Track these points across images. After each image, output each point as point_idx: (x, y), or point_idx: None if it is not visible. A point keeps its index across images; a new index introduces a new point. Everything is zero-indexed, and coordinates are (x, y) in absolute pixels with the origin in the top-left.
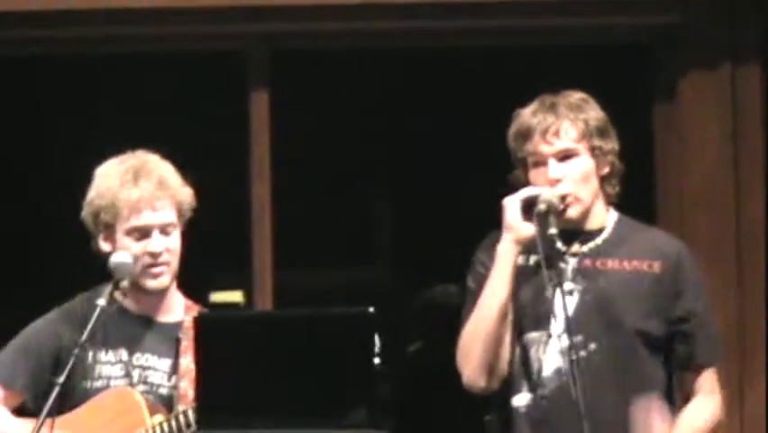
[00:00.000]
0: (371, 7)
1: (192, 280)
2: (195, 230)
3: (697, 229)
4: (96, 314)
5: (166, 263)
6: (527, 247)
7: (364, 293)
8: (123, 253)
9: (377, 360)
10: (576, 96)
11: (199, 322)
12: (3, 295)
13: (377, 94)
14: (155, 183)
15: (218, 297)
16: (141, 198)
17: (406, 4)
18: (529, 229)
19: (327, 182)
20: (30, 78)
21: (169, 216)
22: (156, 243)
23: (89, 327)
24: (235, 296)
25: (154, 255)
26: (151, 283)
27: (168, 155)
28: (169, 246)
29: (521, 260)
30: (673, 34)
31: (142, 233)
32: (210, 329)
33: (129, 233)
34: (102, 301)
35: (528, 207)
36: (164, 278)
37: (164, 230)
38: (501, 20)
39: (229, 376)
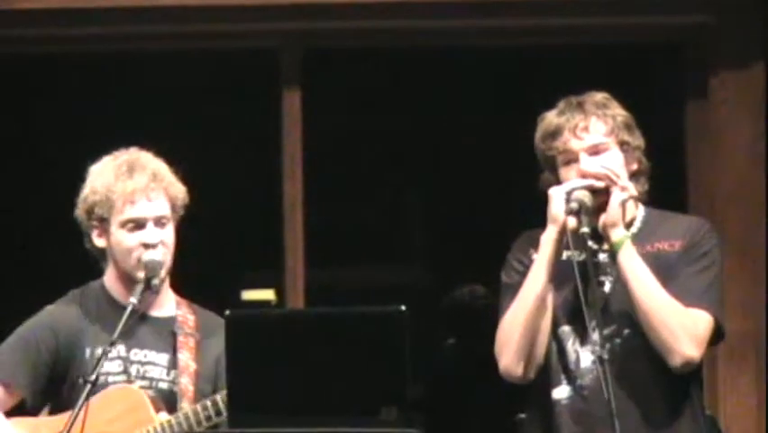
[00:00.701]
0: (403, 6)
1: (224, 279)
2: (227, 228)
3: (728, 229)
4: (127, 313)
5: (162, 255)
6: (564, 240)
7: (396, 293)
8: (155, 251)
9: (410, 358)
10: (600, 95)
11: (230, 320)
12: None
13: (411, 92)
14: (149, 175)
15: (250, 295)
16: (135, 190)
17: (434, 3)
18: (573, 221)
19: (359, 181)
20: (59, 76)
21: (163, 208)
22: (151, 234)
23: (120, 326)
24: (267, 294)
25: (149, 247)
26: (141, 275)
27: (198, 152)
28: (164, 239)
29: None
30: (705, 33)
31: (137, 224)
32: (241, 327)
33: (123, 224)
34: (134, 300)
35: (568, 199)
36: (161, 273)
37: (159, 222)
38: (531, 18)
39: (259, 374)
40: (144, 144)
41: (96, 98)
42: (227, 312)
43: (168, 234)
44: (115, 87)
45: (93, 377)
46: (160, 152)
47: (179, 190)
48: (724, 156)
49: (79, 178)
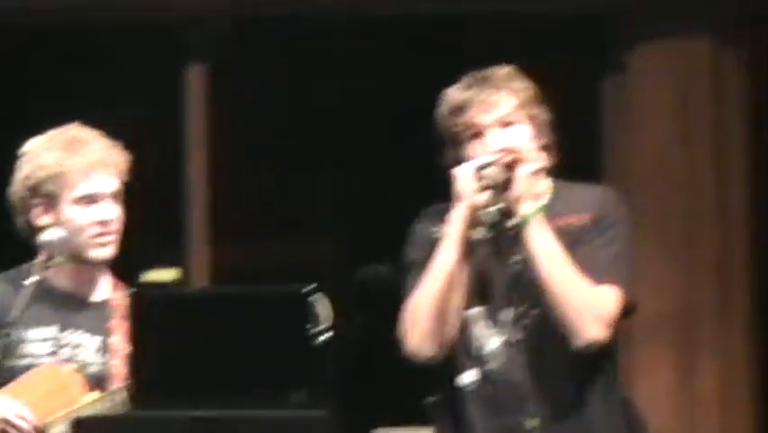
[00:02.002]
0: None
1: (125, 258)
2: (128, 206)
3: (645, 208)
4: (27, 293)
5: (115, 232)
6: (475, 218)
7: (305, 269)
8: (55, 229)
9: (318, 339)
10: (506, 69)
11: (134, 299)
12: None
13: (320, 65)
14: (102, 149)
15: (152, 275)
16: (91, 164)
17: None
18: (482, 197)
19: (267, 157)
20: None
21: (116, 183)
22: (108, 210)
23: (20, 306)
24: (169, 274)
25: (105, 223)
26: (98, 253)
27: (100, 128)
28: (114, 216)
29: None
30: (625, 7)
31: (92, 200)
32: (145, 306)
33: (77, 201)
34: (33, 280)
35: (478, 173)
36: (111, 248)
37: (113, 197)
38: None
39: (165, 355)
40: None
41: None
42: (131, 290)
43: (120, 210)
44: (12, 61)
45: None
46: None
47: (126, 165)
48: (641, 132)
49: None
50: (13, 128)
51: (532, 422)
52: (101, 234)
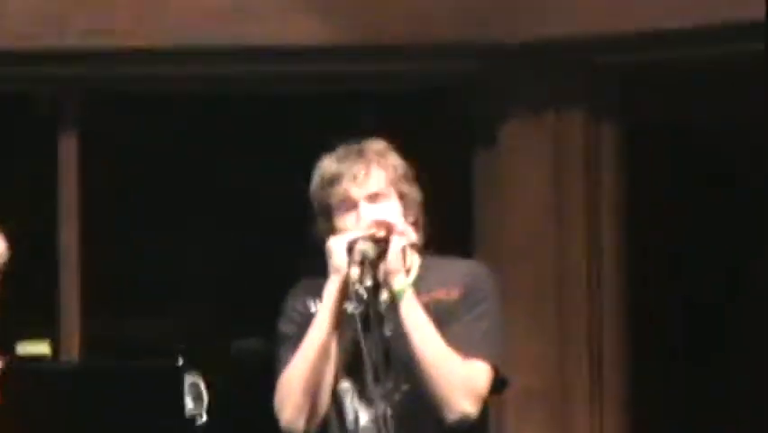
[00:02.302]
0: (180, 53)
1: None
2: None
3: (518, 283)
4: None
5: None
6: (346, 291)
7: (178, 340)
8: None
9: (195, 412)
10: (380, 143)
11: (4, 374)
12: None
13: (190, 138)
14: None
15: (25, 348)
16: None
17: (212, 50)
18: (355, 271)
19: (139, 227)
20: None
21: None
22: None
23: None
24: (42, 347)
25: None
26: None
27: None
28: None
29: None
30: (492, 82)
31: None
32: (17, 384)
33: None
34: None
35: (350, 249)
36: None
37: None
38: (312, 65)
39: (35, 429)
40: None
41: None
42: (3, 365)
43: None
44: None
45: None
46: None
47: (2, 248)
48: (513, 207)
49: None
50: None
51: None
52: None
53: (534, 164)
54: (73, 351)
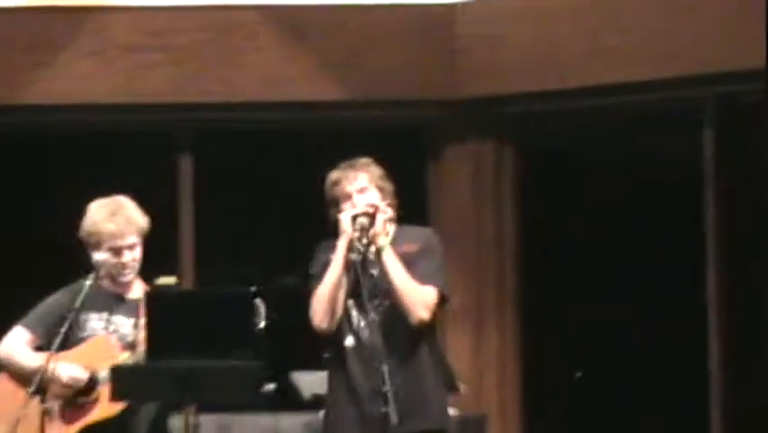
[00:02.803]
0: (253, 104)
1: (149, 271)
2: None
3: (453, 242)
4: (84, 290)
5: (130, 268)
6: (350, 246)
7: (243, 281)
8: (100, 254)
9: (259, 321)
10: (366, 159)
11: (149, 295)
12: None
13: (263, 158)
14: (124, 219)
15: (160, 280)
16: (114, 231)
17: (267, 103)
18: (356, 234)
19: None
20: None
21: (132, 239)
22: (124, 257)
23: (80, 299)
24: (171, 279)
25: (124, 264)
26: (122, 279)
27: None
28: (134, 257)
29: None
30: (439, 124)
31: (117, 251)
32: (154, 300)
33: (109, 249)
34: (89, 282)
35: (354, 219)
36: (128, 277)
37: (130, 248)
38: (330, 112)
39: (165, 330)
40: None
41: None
42: (147, 290)
43: (136, 254)
44: (59, 164)
45: (64, 329)
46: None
47: (144, 223)
48: (449, 201)
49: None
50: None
51: (386, 368)
52: (123, 268)
53: (461, 176)
54: (189, 284)
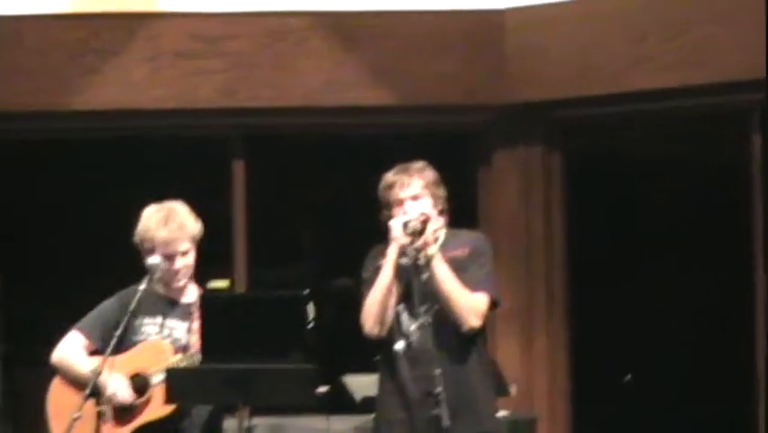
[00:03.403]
0: (301, 109)
1: (202, 274)
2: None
3: (504, 246)
4: (138, 295)
5: (183, 274)
6: (401, 252)
7: (298, 284)
8: (154, 257)
9: (309, 324)
10: (420, 162)
11: (203, 299)
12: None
13: (315, 161)
14: (177, 226)
15: (214, 283)
16: (167, 238)
17: (322, 108)
18: (406, 240)
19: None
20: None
21: (185, 246)
22: (177, 263)
23: (134, 303)
24: (224, 283)
25: (177, 271)
26: (174, 285)
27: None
28: (186, 263)
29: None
30: (488, 129)
31: (170, 257)
32: (209, 303)
33: (162, 256)
34: (142, 286)
35: (404, 227)
36: (181, 282)
37: (183, 254)
38: (380, 117)
39: (220, 332)
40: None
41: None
42: (201, 294)
43: (188, 260)
44: (123, 167)
45: (118, 333)
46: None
47: (197, 229)
48: (498, 206)
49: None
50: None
51: (437, 371)
52: (176, 274)
53: (510, 180)
54: (242, 288)
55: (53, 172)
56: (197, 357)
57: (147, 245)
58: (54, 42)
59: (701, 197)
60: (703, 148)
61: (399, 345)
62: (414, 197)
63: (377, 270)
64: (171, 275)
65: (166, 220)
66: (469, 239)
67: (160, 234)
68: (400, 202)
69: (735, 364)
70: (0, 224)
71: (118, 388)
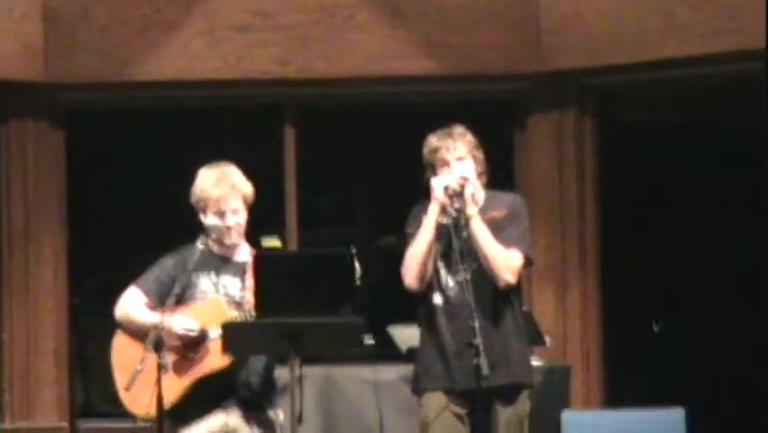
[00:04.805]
0: (355, 79)
1: (255, 237)
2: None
3: (539, 205)
4: (195, 253)
5: (235, 231)
6: (442, 211)
7: (346, 242)
8: (210, 217)
9: (357, 279)
10: (461, 127)
11: (256, 257)
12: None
13: (366, 130)
14: (229, 185)
15: (266, 242)
16: (220, 196)
17: (375, 77)
18: (446, 200)
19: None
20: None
21: (236, 204)
22: (229, 220)
23: (191, 261)
24: (276, 241)
25: (229, 227)
26: (227, 241)
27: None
28: (238, 221)
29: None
30: (525, 96)
31: (222, 214)
32: (262, 261)
33: (215, 213)
34: (199, 245)
35: (445, 189)
36: (233, 239)
37: (234, 212)
38: (424, 86)
39: (272, 288)
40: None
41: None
42: (255, 252)
43: (240, 218)
44: (177, 137)
45: (176, 290)
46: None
47: (249, 190)
48: (534, 168)
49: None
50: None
51: (475, 324)
52: (228, 230)
53: (545, 144)
54: (293, 247)
55: (119, 139)
56: (252, 312)
57: (201, 204)
58: (119, 18)
59: (727, 161)
60: (732, 113)
61: (438, 300)
62: (458, 159)
63: (419, 226)
64: (224, 232)
65: (218, 180)
66: (507, 201)
67: (213, 192)
68: (445, 163)
69: (764, 315)
70: (72, 185)
71: (185, 323)
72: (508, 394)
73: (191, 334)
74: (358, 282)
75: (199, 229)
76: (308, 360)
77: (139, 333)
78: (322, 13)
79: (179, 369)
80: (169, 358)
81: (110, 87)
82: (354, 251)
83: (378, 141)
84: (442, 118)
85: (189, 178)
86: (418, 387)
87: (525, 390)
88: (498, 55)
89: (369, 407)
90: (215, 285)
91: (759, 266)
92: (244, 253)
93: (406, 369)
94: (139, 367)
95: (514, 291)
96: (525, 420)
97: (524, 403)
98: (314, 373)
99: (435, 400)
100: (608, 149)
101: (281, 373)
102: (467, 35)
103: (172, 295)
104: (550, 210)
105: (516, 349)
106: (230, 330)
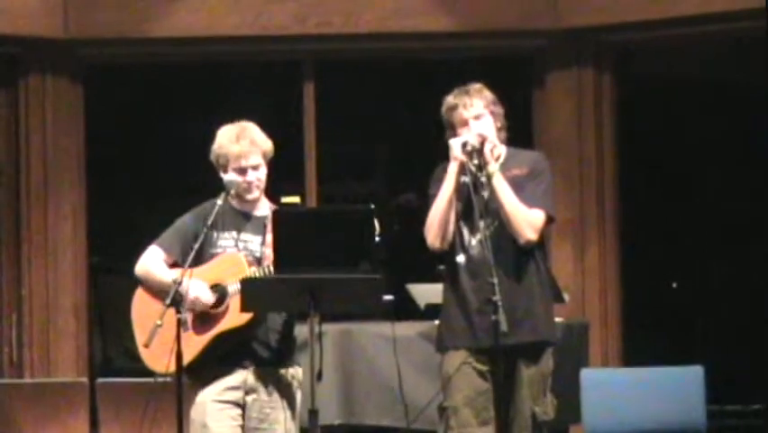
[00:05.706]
0: (373, 35)
1: (276, 191)
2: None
3: (558, 163)
4: (215, 209)
5: (255, 186)
6: (462, 170)
7: (366, 198)
8: (230, 174)
9: (376, 236)
10: (478, 84)
11: (276, 213)
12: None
13: (376, 84)
14: (248, 141)
15: (286, 199)
16: (239, 152)
17: (390, 33)
18: (463, 158)
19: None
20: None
21: (256, 159)
22: (249, 175)
23: (212, 216)
24: (296, 199)
25: (249, 183)
26: (248, 196)
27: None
28: (258, 176)
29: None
30: (544, 53)
31: (242, 171)
32: (281, 217)
33: (235, 170)
34: (219, 201)
35: (464, 147)
36: (254, 194)
37: (254, 168)
38: (443, 42)
39: (292, 244)
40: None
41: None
42: (274, 208)
43: (260, 174)
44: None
45: (196, 246)
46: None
47: (268, 147)
48: (554, 127)
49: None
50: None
51: (495, 280)
52: (248, 186)
53: (564, 100)
54: (313, 203)
55: (138, 94)
56: (271, 268)
57: (221, 161)
58: None
59: (745, 117)
60: (749, 70)
61: (461, 258)
62: (476, 116)
63: (440, 186)
64: (244, 188)
65: (238, 136)
66: (528, 158)
67: (233, 148)
68: (464, 122)
69: None
70: (91, 141)
71: (200, 292)
72: (533, 352)
73: (200, 305)
74: (377, 239)
75: (219, 187)
76: (328, 316)
77: (159, 290)
78: None
79: (199, 326)
80: (189, 315)
81: (129, 42)
82: (373, 207)
83: (397, 97)
84: (461, 76)
85: (209, 134)
86: (442, 345)
87: (549, 347)
88: (516, 12)
89: (387, 363)
90: (236, 241)
91: None
92: (264, 209)
93: (424, 326)
94: (158, 323)
95: (538, 249)
96: (548, 378)
97: (547, 361)
98: (333, 329)
99: (458, 357)
100: (626, 105)
101: (300, 331)
102: None
103: (193, 251)
104: (569, 167)
105: (541, 306)
106: (249, 286)
